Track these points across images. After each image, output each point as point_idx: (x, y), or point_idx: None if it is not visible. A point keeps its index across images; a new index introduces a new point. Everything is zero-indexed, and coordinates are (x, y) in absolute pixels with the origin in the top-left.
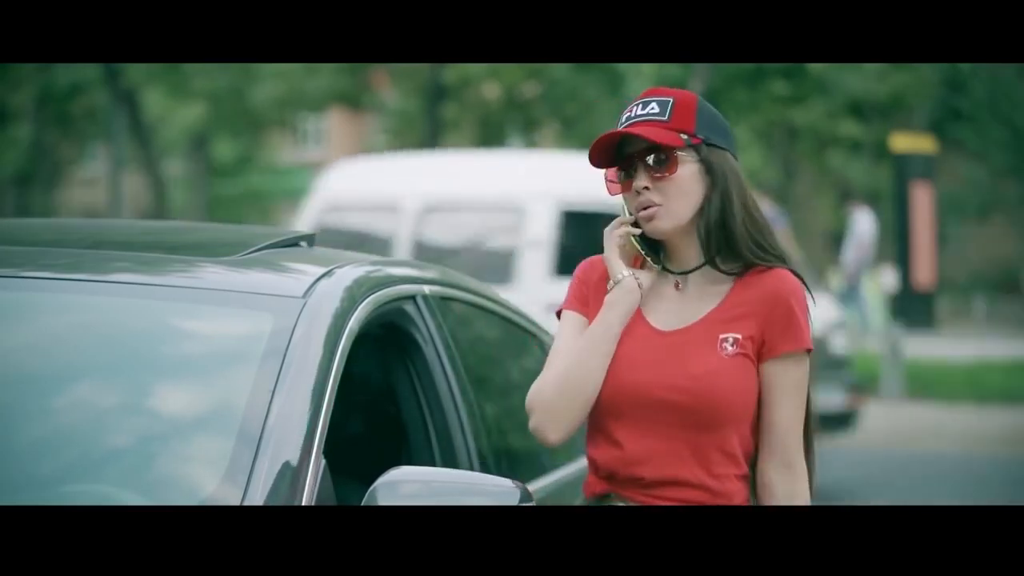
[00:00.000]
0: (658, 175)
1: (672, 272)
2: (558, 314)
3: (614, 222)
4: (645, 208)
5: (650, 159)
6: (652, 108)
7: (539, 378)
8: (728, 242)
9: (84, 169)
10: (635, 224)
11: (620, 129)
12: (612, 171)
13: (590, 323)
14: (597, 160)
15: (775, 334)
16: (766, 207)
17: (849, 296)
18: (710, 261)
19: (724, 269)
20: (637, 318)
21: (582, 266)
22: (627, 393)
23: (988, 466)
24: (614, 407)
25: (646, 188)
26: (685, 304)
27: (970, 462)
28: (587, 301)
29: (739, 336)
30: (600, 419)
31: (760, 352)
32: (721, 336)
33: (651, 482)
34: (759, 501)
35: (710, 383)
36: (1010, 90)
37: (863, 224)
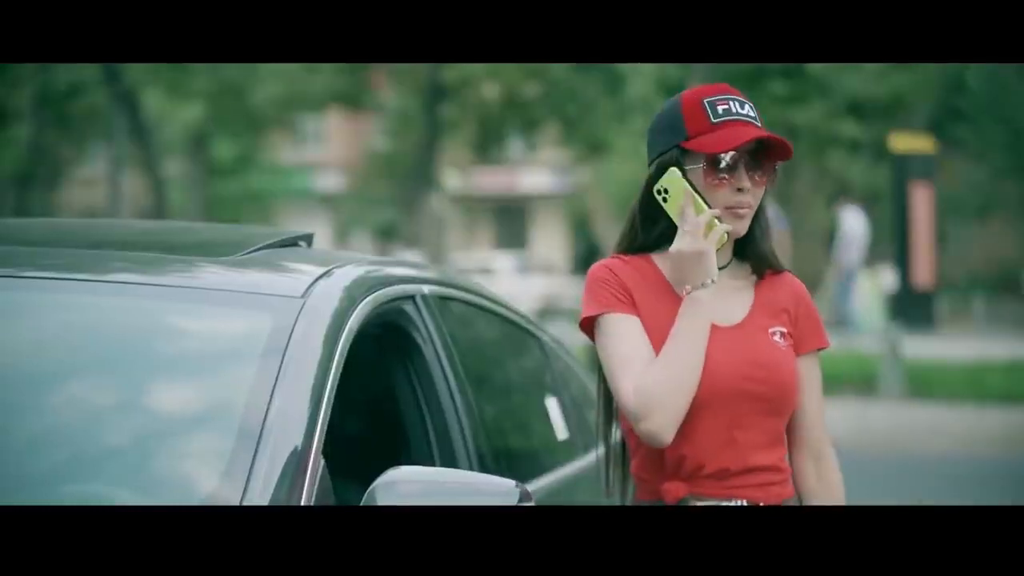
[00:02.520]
0: (760, 179)
1: None
2: (587, 321)
3: (693, 224)
4: (738, 208)
5: (756, 162)
6: (748, 110)
7: (637, 379)
8: (761, 245)
9: (84, 169)
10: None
11: (767, 133)
12: (727, 159)
13: (644, 323)
14: (719, 147)
15: (806, 331)
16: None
17: (842, 296)
18: (752, 261)
19: (748, 269)
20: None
21: (606, 270)
22: (715, 387)
23: (988, 466)
24: (705, 400)
25: (743, 189)
26: (724, 300)
27: (970, 462)
28: (631, 302)
29: (784, 330)
30: (688, 413)
31: (793, 348)
32: (771, 329)
33: (736, 472)
34: (796, 489)
35: (780, 371)
36: (1010, 90)
37: (851, 223)
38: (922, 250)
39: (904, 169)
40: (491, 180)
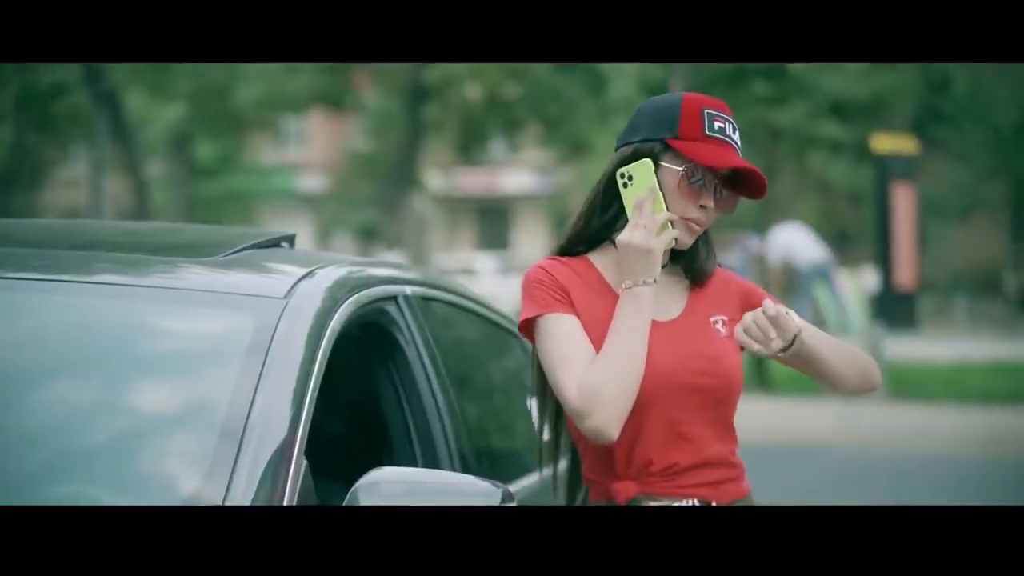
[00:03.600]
0: (722, 204)
1: None
2: (525, 324)
3: (649, 219)
4: (695, 223)
5: (722, 187)
6: (738, 137)
7: (579, 378)
8: (705, 265)
9: (66, 170)
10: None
11: (753, 167)
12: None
13: (583, 321)
14: (709, 161)
15: (757, 298)
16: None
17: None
18: (690, 275)
19: (681, 274)
20: None
21: (541, 271)
22: (653, 383)
23: (970, 467)
24: (650, 397)
25: (705, 207)
26: (660, 297)
27: (951, 463)
28: (569, 301)
29: (725, 318)
30: (634, 410)
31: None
32: (712, 319)
33: (685, 468)
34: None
35: (723, 361)
36: (992, 91)
37: (779, 241)
38: (904, 251)
39: (886, 170)
40: (473, 181)
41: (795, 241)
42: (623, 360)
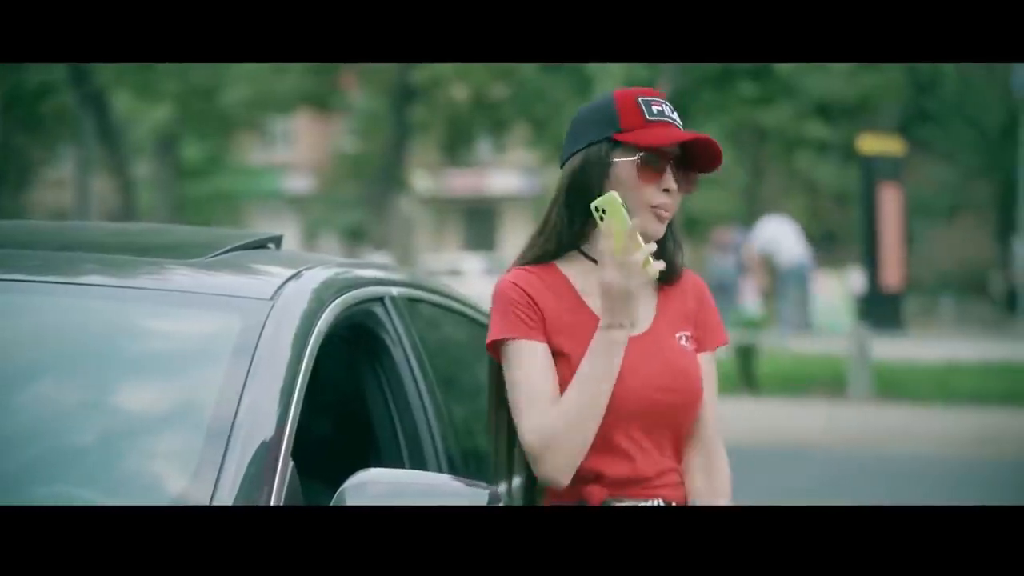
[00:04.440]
0: (683, 185)
1: None
2: (493, 345)
3: (625, 261)
4: (662, 209)
5: (680, 169)
6: (677, 116)
7: (539, 420)
8: (673, 257)
9: (52, 171)
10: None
11: (703, 135)
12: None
13: (555, 338)
14: (658, 141)
15: (707, 329)
16: (732, 235)
17: (781, 301)
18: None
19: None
20: (595, 322)
21: (515, 288)
22: (629, 400)
23: (957, 467)
24: (621, 414)
25: (669, 190)
26: None
27: (938, 463)
28: (540, 321)
29: (688, 334)
30: (603, 427)
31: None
32: (677, 334)
33: (651, 475)
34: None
35: (691, 378)
36: (978, 91)
37: (763, 235)
38: (891, 251)
39: (872, 170)
40: (460, 182)
41: (780, 236)
42: (586, 409)
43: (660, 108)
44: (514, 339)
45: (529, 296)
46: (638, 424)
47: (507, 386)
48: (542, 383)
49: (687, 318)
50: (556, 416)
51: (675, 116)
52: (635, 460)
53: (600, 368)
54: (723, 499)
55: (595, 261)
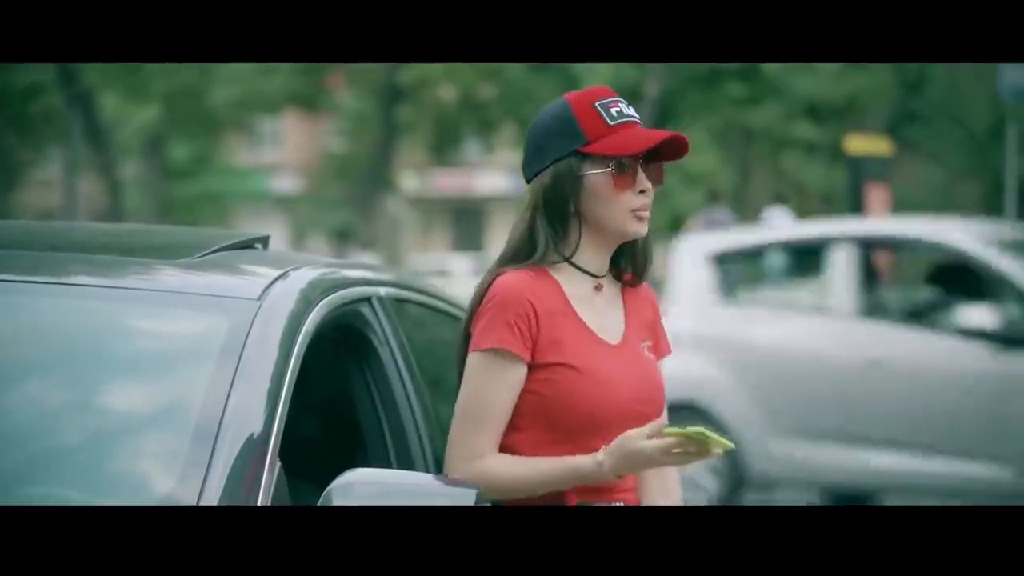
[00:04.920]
0: (654, 180)
1: (593, 275)
2: (466, 349)
3: (691, 453)
4: (642, 210)
5: (651, 164)
6: (634, 111)
7: (487, 466)
8: (644, 254)
9: (40, 171)
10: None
11: (670, 132)
12: (628, 166)
13: (543, 341)
14: (633, 148)
15: (659, 338)
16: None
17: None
18: (625, 268)
19: (623, 278)
20: (584, 330)
21: (519, 295)
22: (612, 410)
23: None
24: (601, 424)
25: (645, 191)
26: (607, 311)
27: None
28: (533, 333)
29: (650, 343)
30: (581, 436)
31: None
32: (642, 344)
33: (616, 483)
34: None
35: (661, 388)
36: (966, 92)
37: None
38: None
39: (860, 171)
40: (447, 182)
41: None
42: (532, 489)
43: (619, 109)
44: (497, 349)
45: (531, 304)
46: (615, 432)
47: (468, 388)
48: (502, 409)
49: (647, 327)
50: (506, 474)
51: (632, 112)
52: None
53: (568, 479)
54: (674, 500)
55: (583, 271)
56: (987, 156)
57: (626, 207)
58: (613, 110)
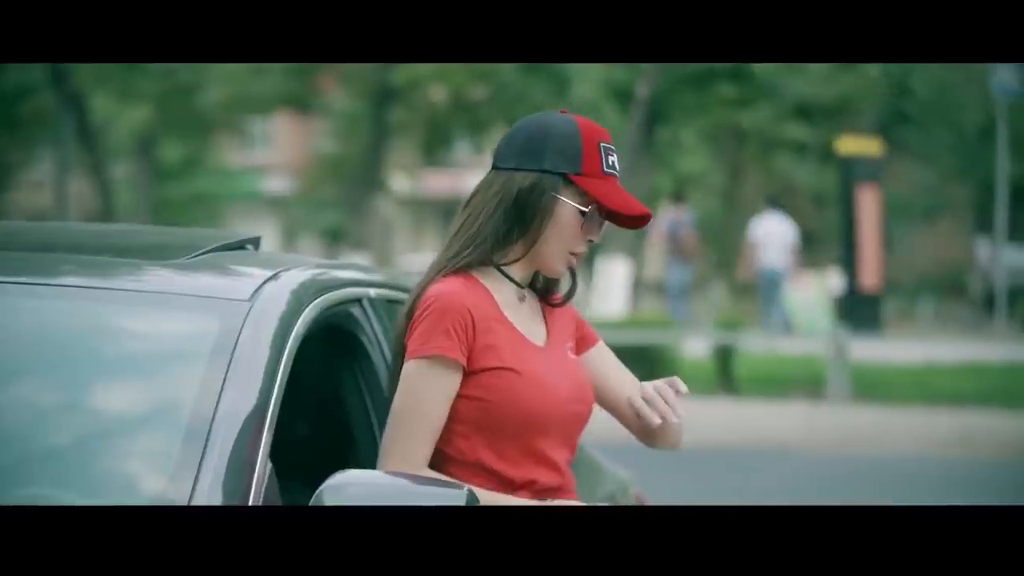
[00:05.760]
0: (598, 238)
1: (519, 284)
2: (402, 355)
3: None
4: (580, 255)
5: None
6: (619, 166)
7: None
8: (572, 287)
9: (31, 172)
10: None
11: (650, 212)
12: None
13: (479, 348)
14: (625, 208)
15: (585, 332)
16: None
17: (765, 301)
18: (552, 292)
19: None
20: (517, 334)
21: (457, 302)
22: (553, 410)
23: (936, 468)
24: (543, 425)
25: (593, 241)
26: (532, 317)
27: (917, 464)
28: (469, 341)
29: (572, 344)
30: (525, 438)
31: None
32: (565, 346)
33: (555, 487)
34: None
35: (590, 389)
36: (956, 92)
37: (761, 228)
38: (869, 253)
39: (851, 172)
40: (438, 183)
41: (770, 238)
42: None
43: (614, 160)
44: (437, 356)
45: (468, 312)
46: (557, 435)
47: (405, 396)
48: (437, 417)
49: (568, 332)
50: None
51: (619, 167)
52: (560, 468)
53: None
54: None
55: (512, 280)
56: (977, 157)
57: (571, 247)
58: (610, 158)
